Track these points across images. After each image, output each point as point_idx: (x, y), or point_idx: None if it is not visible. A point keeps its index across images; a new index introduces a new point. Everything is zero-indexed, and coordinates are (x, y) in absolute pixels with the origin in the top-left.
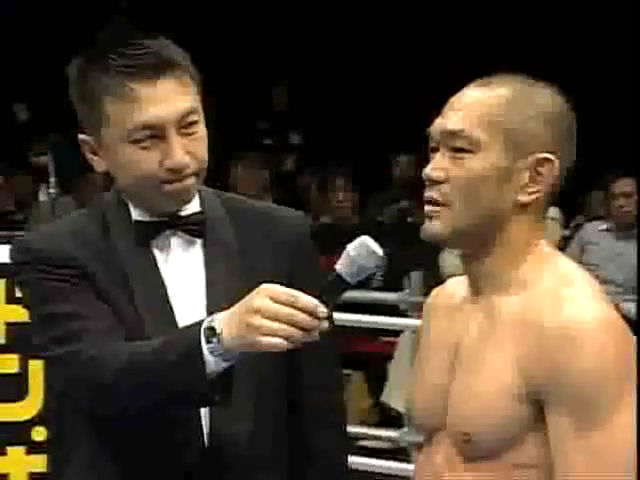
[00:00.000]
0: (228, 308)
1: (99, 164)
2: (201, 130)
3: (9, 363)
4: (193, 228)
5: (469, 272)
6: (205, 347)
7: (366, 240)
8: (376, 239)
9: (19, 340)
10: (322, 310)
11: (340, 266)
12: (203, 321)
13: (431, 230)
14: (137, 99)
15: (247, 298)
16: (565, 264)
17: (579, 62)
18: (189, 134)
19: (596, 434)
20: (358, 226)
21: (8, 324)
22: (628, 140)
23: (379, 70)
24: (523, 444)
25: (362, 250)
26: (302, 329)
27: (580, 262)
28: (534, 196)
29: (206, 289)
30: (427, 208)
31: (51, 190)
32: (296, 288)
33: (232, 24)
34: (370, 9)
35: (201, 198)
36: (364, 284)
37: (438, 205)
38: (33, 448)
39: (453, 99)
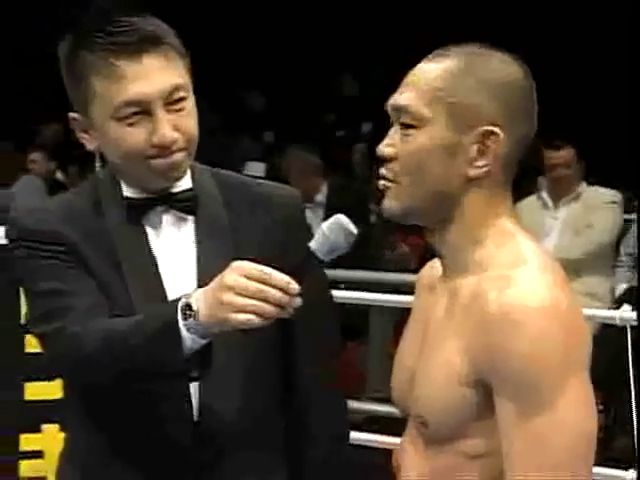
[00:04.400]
0: None
1: (90, 142)
2: (189, 106)
3: None
4: (184, 205)
5: (434, 250)
6: (182, 324)
7: (341, 219)
8: None
9: None
10: (294, 287)
11: (314, 244)
12: (181, 298)
13: (384, 208)
14: (122, 76)
15: (220, 276)
16: (525, 243)
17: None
18: (177, 110)
19: (538, 419)
20: None
21: None
22: None
23: None
24: (476, 431)
25: (337, 228)
26: (274, 305)
27: None
28: (482, 170)
29: (197, 266)
30: (380, 185)
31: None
32: (288, 265)
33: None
34: None
35: (193, 175)
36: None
37: (390, 182)
38: None
39: (408, 74)
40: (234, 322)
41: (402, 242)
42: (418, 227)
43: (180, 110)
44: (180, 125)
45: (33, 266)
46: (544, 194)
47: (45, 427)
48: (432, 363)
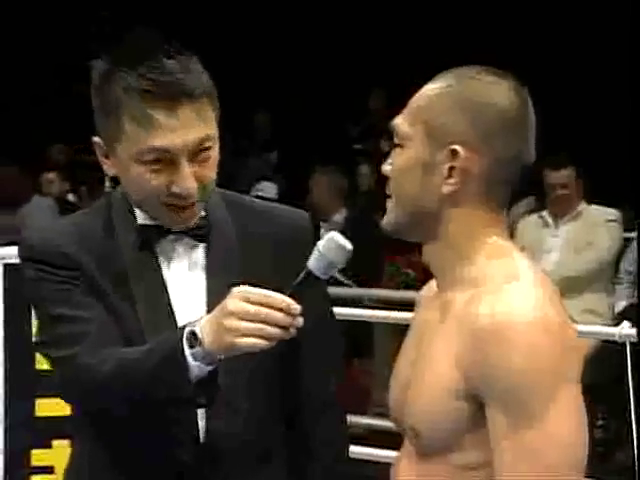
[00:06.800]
0: None
1: (109, 169)
2: (213, 153)
3: None
4: (197, 233)
5: (427, 266)
6: (188, 352)
7: (335, 236)
8: None
9: None
10: (295, 307)
11: (311, 262)
12: (186, 326)
13: (382, 224)
14: (153, 124)
15: (223, 302)
16: (517, 259)
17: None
18: (201, 160)
19: (529, 433)
20: None
21: None
22: None
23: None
24: (469, 443)
25: (332, 246)
26: (277, 327)
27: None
28: (453, 188)
29: (207, 293)
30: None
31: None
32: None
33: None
34: None
35: (206, 202)
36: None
37: (388, 199)
38: None
39: None
40: (239, 347)
41: (407, 266)
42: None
43: (204, 160)
44: (201, 175)
45: (44, 289)
46: (545, 213)
47: (56, 443)
48: (424, 376)
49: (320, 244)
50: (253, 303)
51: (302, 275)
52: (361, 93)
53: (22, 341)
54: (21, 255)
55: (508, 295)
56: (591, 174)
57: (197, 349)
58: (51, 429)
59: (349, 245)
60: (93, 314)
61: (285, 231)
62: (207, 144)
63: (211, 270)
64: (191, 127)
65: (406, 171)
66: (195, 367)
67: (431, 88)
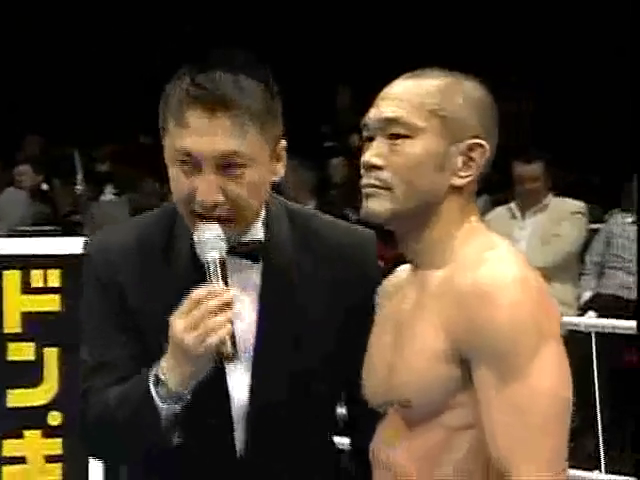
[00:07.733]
0: (279, 342)
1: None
2: (249, 173)
3: (25, 351)
4: (251, 255)
5: (405, 251)
6: (156, 397)
7: (204, 234)
8: None
9: (34, 329)
10: (214, 289)
11: (203, 256)
12: (152, 370)
13: (371, 210)
14: (186, 126)
15: (170, 338)
16: (494, 236)
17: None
18: (229, 175)
19: (514, 385)
20: None
21: (23, 314)
22: None
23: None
24: (459, 405)
25: (209, 241)
26: (218, 312)
27: (605, 254)
28: (467, 180)
29: (257, 320)
30: (366, 190)
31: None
32: (354, 322)
33: (296, 25)
34: None
35: (268, 220)
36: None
37: (380, 189)
38: (49, 432)
39: (385, 90)
40: (208, 350)
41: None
42: (389, 239)
43: (233, 176)
44: (228, 190)
45: (90, 313)
46: (512, 205)
47: (27, 433)
48: (410, 350)
49: (201, 244)
50: (186, 314)
51: (210, 267)
52: (328, 90)
53: None
54: (85, 268)
55: (488, 262)
56: (560, 166)
57: (162, 391)
58: (22, 419)
59: (213, 232)
60: (123, 360)
61: (345, 262)
62: (235, 160)
63: (264, 296)
64: (220, 137)
65: (419, 162)
66: (164, 409)
67: (432, 84)
